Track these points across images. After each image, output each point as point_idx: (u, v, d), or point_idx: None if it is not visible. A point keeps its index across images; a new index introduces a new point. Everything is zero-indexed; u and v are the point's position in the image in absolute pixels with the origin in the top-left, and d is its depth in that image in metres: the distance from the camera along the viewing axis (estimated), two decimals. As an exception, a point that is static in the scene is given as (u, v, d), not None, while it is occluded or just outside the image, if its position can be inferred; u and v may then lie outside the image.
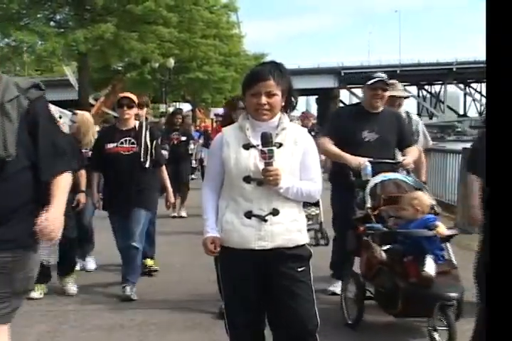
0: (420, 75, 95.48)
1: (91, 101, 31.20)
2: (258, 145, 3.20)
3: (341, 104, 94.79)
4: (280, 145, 3.21)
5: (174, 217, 11.03)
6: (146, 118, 7.03)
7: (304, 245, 3.31)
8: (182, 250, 8.00)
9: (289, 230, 3.23)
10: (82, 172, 6.25)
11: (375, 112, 5.65)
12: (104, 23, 23.33)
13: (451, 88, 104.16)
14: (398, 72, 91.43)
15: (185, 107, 53.15)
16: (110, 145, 6.02)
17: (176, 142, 11.27)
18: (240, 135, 3.30)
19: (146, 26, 24.80)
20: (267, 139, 3.15)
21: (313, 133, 10.09)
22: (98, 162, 6.18)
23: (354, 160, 5.28)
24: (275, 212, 3.21)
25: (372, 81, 5.55)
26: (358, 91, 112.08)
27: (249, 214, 3.20)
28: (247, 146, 3.25)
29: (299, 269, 3.27)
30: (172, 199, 6.50)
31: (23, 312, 4.87)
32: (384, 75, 5.69)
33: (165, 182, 6.39)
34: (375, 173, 5.15)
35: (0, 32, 23.66)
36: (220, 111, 31.37)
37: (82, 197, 6.29)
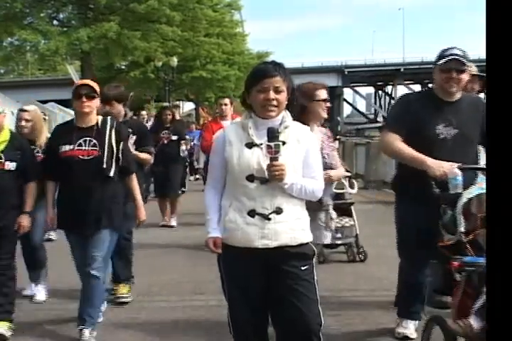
0: (424, 73, 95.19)
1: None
2: (261, 144, 3.19)
3: (345, 103, 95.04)
4: (283, 143, 3.19)
5: (163, 225, 10.08)
6: (125, 114, 6.08)
7: (307, 243, 3.30)
8: (183, 249, 8.00)
9: (292, 228, 3.22)
10: (30, 186, 5.01)
11: (450, 101, 4.41)
12: (107, 22, 23.36)
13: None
14: (402, 70, 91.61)
15: (189, 106, 53.28)
16: (66, 148, 4.71)
17: (165, 142, 10.17)
18: (243, 133, 3.29)
19: (149, 25, 24.82)
20: (273, 134, 3.14)
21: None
22: (52, 168, 4.83)
23: (437, 166, 4.04)
24: (279, 211, 3.20)
25: (443, 60, 4.30)
26: (362, 90, 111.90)
27: (252, 213, 3.19)
28: (250, 145, 3.24)
29: (303, 268, 3.26)
30: (142, 216, 5.04)
31: (26, 311, 4.89)
32: (460, 51, 4.36)
33: (134, 194, 5.04)
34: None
35: (3, 31, 23.68)
36: None
37: (24, 220, 4.96)
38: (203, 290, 6.05)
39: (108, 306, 5.60)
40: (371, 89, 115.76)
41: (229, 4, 34.62)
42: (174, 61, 32.18)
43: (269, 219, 3.18)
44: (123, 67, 37.37)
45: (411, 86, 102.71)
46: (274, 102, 3.22)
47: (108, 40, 23.33)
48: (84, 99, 4.75)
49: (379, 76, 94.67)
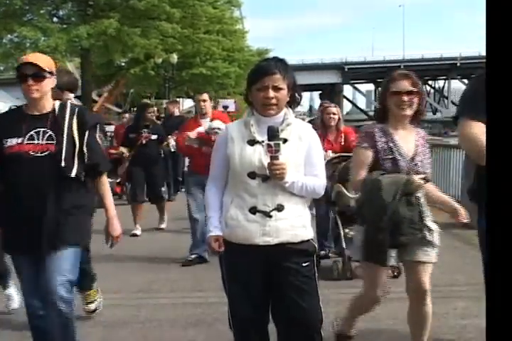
0: (424, 70, 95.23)
1: (94, 97, 31.23)
2: (263, 141, 3.18)
3: (345, 100, 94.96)
4: (285, 140, 3.19)
5: (133, 235, 9.01)
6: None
7: (308, 240, 3.30)
8: (184, 245, 7.99)
9: (293, 226, 3.22)
10: None
11: None
12: (107, 19, 23.30)
13: (455, 83, 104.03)
14: (402, 67, 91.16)
15: (189, 103, 53.21)
16: (12, 142, 3.63)
17: (144, 142, 9.38)
18: (245, 131, 3.28)
19: (149, 22, 24.76)
20: (273, 133, 3.13)
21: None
22: None
23: None
24: (280, 208, 3.19)
25: None
26: (362, 87, 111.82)
27: (253, 210, 3.19)
28: (252, 142, 3.23)
29: (304, 264, 3.26)
30: (115, 231, 3.83)
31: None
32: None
33: (105, 201, 3.86)
34: None
35: (3, 28, 23.64)
36: (230, 102, 30.97)
37: None
38: (203, 287, 6.05)
39: (110, 303, 5.60)
40: (371, 86, 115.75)
41: (229, 1, 34.52)
42: (174, 58, 32.12)
43: (271, 216, 3.18)
44: (123, 64, 37.27)
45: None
46: (274, 101, 3.21)
47: (108, 37, 23.28)
48: (30, 82, 3.64)
49: (379, 73, 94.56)
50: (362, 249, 3.88)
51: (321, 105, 8.05)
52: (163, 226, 9.75)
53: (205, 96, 7.54)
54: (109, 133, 14.88)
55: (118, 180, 12.21)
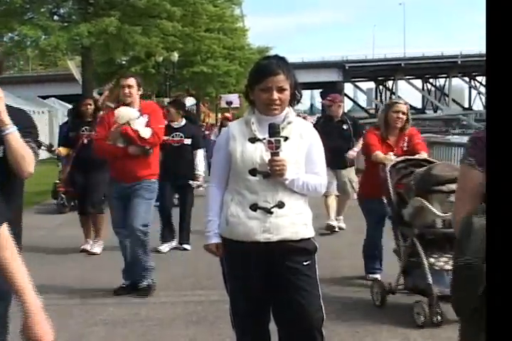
0: (425, 68, 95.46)
1: (95, 95, 31.25)
2: (264, 139, 3.18)
3: (346, 98, 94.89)
4: (286, 138, 3.19)
5: (83, 250, 7.75)
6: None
7: (309, 239, 3.29)
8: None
9: (294, 223, 3.21)
10: None
11: None
12: (107, 17, 23.26)
13: (456, 81, 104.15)
14: (403, 65, 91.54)
15: (190, 101, 53.21)
16: None
17: (85, 142, 7.72)
18: (246, 129, 3.29)
19: (149, 20, 24.73)
20: (274, 129, 3.14)
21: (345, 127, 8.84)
22: None
23: None
24: (281, 205, 3.19)
25: None
26: (363, 85, 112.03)
27: (254, 207, 3.18)
28: (253, 140, 3.24)
29: (305, 263, 3.25)
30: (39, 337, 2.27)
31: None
32: None
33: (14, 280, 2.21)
34: None
35: (3, 26, 23.61)
36: (234, 97, 30.70)
37: None
38: (204, 285, 6.05)
39: (110, 301, 5.61)
40: (372, 84, 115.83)
41: (229, -1, 34.55)
42: (175, 56, 32.13)
43: (271, 213, 3.17)
44: (123, 62, 37.29)
45: (412, 81, 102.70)
46: (278, 102, 3.22)
47: (108, 35, 23.24)
48: None
49: (380, 71, 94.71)
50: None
51: (387, 105, 6.28)
52: (96, 250, 7.74)
53: (132, 81, 5.83)
54: None
55: None
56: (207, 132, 18.91)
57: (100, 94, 37.19)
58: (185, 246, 7.95)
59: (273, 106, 3.22)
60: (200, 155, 8.14)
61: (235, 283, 3.35)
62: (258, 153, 3.20)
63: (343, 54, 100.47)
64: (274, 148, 3.12)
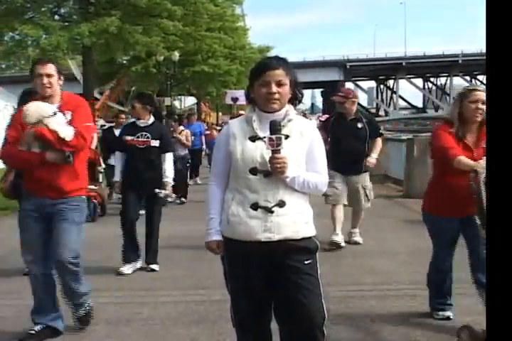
0: (426, 67, 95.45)
1: (96, 95, 31.26)
2: (265, 137, 3.18)
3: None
4: (287, 136, 3.19)
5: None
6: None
7: (310, 237, 3.29)
8: (186, 243, 7.99)
9: (295, 222, 3.21)
10: None
11: None
12: (108, 17, 23.27)
13: (457, 80, 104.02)
14: (404, 64, 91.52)
15: (190, 101, 53.21)
16: None
17: None
18: (247, 127, 3.29)
19: (150, 19, 24.74)
20: (275, 127, 3.14)
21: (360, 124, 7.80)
22: None
23: None
24: (281, 204, 3.19)
25: None
26: (364, 84, 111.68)
27: (255, 206, 3.18)
28: (254, 138, 3.24)
29: (306, 262, 3.24)
30: None
31: (29, 306, 4.89)
32: None
33: None
34: None
35: (4, 26, 23.63)
36: (240, 94, 30.20)
37: None
38: (206, 284, 6.05)
39: (113, 301, 5.61)
40: (373, 83, 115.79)
41: (230, -2, 34.52)
42: (176, 55, 32.14)
43: (272, 212, 3.17)
44: (124, 61, 37.31)
45: (413, 80, 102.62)
46: (277, 95, 3.22)
47: (109, 34, 23.25)
48: None
49: (381, 70, 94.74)
50: None
51: (461, 94, 4.69)
52: None
53: (51, 68, 4.62)
54: None
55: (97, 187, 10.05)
56: (207, 132, 18.90)
57: (101, 93, 37.23)
58: (153, 266, 6.83)
59: (272, 100, 3.22)
60: (169, 159, 6.98)
61: (236, 282, 3.34)
62: (258, 152, 3.20)
63: (344, 53, 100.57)
64: (275, 146, 3.11)
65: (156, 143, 6.84)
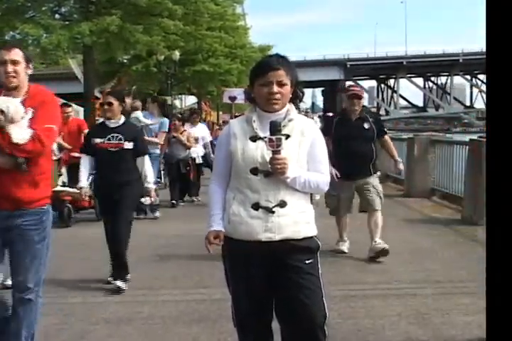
0: (426, 67, 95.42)
1: (96, 94, 31.21)
2: (265, 137, 3.18)
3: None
4: (287, 136, 3.19)
5: None
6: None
7: (311, 237, 3.29)
8: (188, 242, 8.00)
9: (296, 222, 3.21)
10: None
11: None
12: (109, 16, 23.25)
13: (458, 79, 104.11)
14: (404, 63, 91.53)
15: (191, 100, 53.22)
16: None
17: None
18: (247, 127, 3.28)
19: (151, 18, 24.73)
20: (275, 127, 3.13)
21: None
22: None
23: None
24: (282, 204, 3.18)
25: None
26: (364, 83, 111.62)
27: (256, 206, 3.18)
28: (254, 138, 3.23)
29: (307, 261, 3.24)
30: None
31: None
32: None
33: None
34: None
35: (5, 25, 23.62)
36: (238, 92, 30.09)
37: None
38: (207, 283, 6.05)
39: (113, 300, 5.61)
40: (373, 83, 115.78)
41: (231, -3, 34.50)
42: (176, 55, 32.12)
43: (273, 212, 3.17)
44: (125, 60, 37.27)
45: (413, 79, 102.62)
46: (278, 96, 3.21)
47: (110, 34, 23.23)
48: None
49: (381, 69, 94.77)
50: None
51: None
52: None
53: (17, 54, 3.88)
54: None
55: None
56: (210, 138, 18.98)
57: (102, 92, 37.17)
58: (118, 283, 5.96)
59: (273, 101, 3.22)
60: (146, 163, 6.31)
61: (237, 282, 3.34)
62: (259, 152, 3.20)
63: (344, 52, 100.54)
64: (276, 146, 3.11)
65: (129, 145, 6.12)
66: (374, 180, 7.37)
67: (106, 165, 6.11)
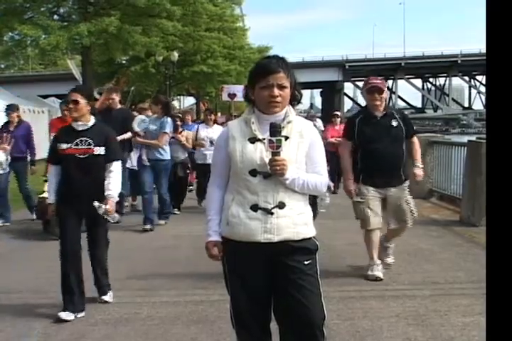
0: (425, 68, 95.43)
1: (95, 95, 31.24)
2: (264, 139, 3.18)
3: (346, 97, 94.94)
4: (286, 138, 3.19)
5: None
6: None
7: (310, 238, 3.29)
8: (186, 243, 8.00)
9: (295, 223, 3.21)
10: None
11: None
12: (107, 17, 23.28)
13: (456, 80, 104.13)
14: (403, 64, 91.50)
15: (189, 101, 53.18)
16: None
17: None
18: (246, 129, 3.28)
19: (149, 19, 24.76)
20: (275, 129, 3.14)
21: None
22: None
23: None
24: (281, 205, 3.19)
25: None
26: (362, 84, 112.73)
27: (255, 207, 3.18)
28: (253, 140, 3.23)
29: (306, 262, 3.24)
30: None
31: (28, 305, 4.90)
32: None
33: None
34: None
35: (4, 26, 23.63)
36: (238, 89, 30.09)
37: None
38: (205, 284, 6.05)
39: (109, 302, 5.60)
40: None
41: (229, -1, 34.54)
42: (175, 56, 32.16)
43: (272, 213, 3.17)
44: (124, 61, 37.32)
45: (412, 80, 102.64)
46: (279, 99, 3.22)
47: (108, 34, 23.26)
48: None
49: (380, 70, 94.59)
50: None
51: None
52: None
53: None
54: None
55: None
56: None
57: (100, 93, 37.11)
58: (105, 297, 5.64)
59: (274, 104, 3.22)
60: (116, 169, 5.43)
61: (236, 283, 3.34)
62: (258, 154, 3.20)
63: (342, 53, 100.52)
64: (275, 148, 3.11)
65: (100, 150, 5.37)
66: (406, 194, 6.44)
67: (73, 174, 5.32)
